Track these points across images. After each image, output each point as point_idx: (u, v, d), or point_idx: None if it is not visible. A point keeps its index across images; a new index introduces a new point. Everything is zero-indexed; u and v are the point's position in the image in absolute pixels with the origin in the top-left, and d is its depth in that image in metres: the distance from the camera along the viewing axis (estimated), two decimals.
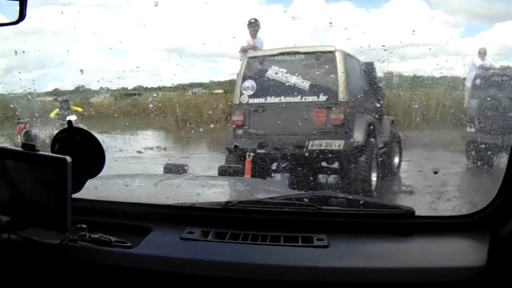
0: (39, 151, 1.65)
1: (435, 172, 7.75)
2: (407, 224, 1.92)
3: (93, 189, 2.00)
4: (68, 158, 1.55)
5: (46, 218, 1.63)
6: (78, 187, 1.74)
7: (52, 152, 1.76)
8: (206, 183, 3.06)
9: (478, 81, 10.59)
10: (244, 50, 9.42)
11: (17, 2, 1.74)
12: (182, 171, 3.60)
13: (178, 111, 17.39)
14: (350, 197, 2.19)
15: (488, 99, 9.89)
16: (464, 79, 13.54)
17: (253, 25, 9.62)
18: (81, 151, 1.74)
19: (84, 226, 1.76)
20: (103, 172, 1.82)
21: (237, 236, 1.85)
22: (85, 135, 1.81)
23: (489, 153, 10.21)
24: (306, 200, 2.09)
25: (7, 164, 1.69)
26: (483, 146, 9.79)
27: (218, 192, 3.02)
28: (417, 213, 1.99)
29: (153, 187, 2.85)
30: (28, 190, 1.66)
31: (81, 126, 13.02)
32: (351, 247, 1.83)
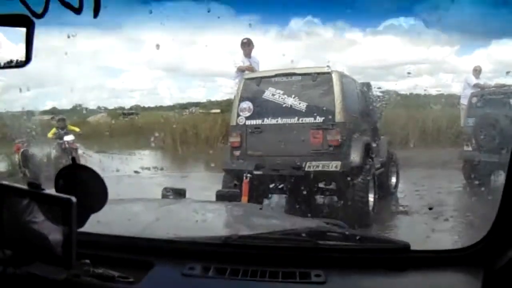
0: (44, 190, 1.69)
1: (430, 208, 7.74)
2: (403, 259, 1.95)
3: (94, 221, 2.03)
4: (73, 199, 1.59)
5: (51, 255, 1.65)
6: (82, 222, 1.78)
7: (55, 188, 1.81)
8: (204, 209, 3.09)
9: (474, 100, 10.60)
10: (240, 70, 9.44)
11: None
12: (180, 195, 3.62)
13: (175, 131, 17.45)
14: (347, 232, 2.23)
15: (485, 117, 9.91)
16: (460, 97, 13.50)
17: (246, 45, 9.67)
18: (84, 187, 1.79)
19: (88, 261, 1.79)
20: None
21: (237, 272, 1.87)
22: (87, 171, 1.85)
23: (486, 171, 10.21)
24: (303, 235, 2.12)
25: (14, 201, 1.73)
26: (480, 164, 9.79)
27: (216, 218, 3.05)
28: (414, 240, 2.03)
29: (152, 215, 2.87)
30: (33, 227, 1.69)
31: (78, 145, 13.09)
32: (347, 283, 1.86)
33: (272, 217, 3.25)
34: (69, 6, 1.42)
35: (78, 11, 1.43)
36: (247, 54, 9.69)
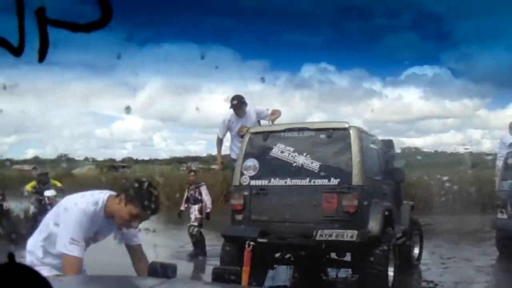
0: None
1: None
2: None
3: None
4: None
5: None
6: None
7: None
8: None
9: (511, 161, 10.34)
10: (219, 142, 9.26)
11: None
12: (171, 273, 3.38)
13: (171, 188, 17.18)
14: None
15: None
16: (493, 155, 13.28)
17: (237, 107, 9.15)
18: None
19: None
20: None
21: None
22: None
23: None
24: None
25: None
26: None
27: None
28: None
29: None
30: None
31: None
32: None
33: None
34: (4, 44, 1.06)
35: (17, 52, 1.08)
36: (240, 114, 9.16)
